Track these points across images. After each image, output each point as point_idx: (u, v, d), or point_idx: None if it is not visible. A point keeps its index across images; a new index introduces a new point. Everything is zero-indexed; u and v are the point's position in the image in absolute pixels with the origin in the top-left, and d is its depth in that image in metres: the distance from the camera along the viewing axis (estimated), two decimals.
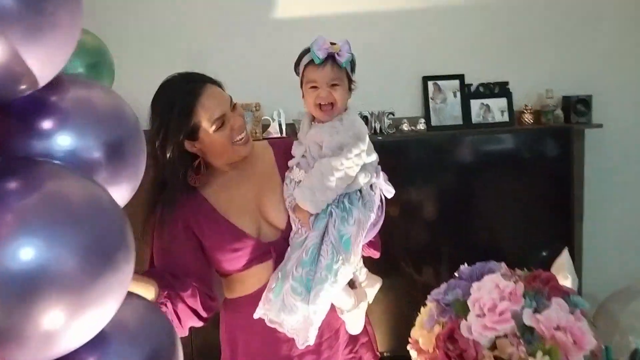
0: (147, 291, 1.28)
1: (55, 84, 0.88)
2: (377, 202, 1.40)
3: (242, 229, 1.40)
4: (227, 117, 1.34)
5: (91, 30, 2.00)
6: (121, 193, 0.97)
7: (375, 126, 2.64)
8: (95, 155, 0.90)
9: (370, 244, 1.49)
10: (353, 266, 1.37)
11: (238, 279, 1.46)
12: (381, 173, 1.41)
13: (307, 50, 1.35)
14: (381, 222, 1.43)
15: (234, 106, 1.38)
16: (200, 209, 1.41)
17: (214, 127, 1.32)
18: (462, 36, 2.81)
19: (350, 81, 1.37)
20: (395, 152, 2.55)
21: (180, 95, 1.31)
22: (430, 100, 2.76)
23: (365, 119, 2.61)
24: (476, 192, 2.63)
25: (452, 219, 2.61)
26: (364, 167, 1.36)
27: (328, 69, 1.32)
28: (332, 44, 1.31)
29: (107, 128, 0.94)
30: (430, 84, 2.78)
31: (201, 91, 1.32)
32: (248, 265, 1.41)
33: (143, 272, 1.36)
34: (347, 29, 2.60)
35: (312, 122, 1.40)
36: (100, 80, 1.93)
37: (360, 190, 1.36)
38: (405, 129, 2.67)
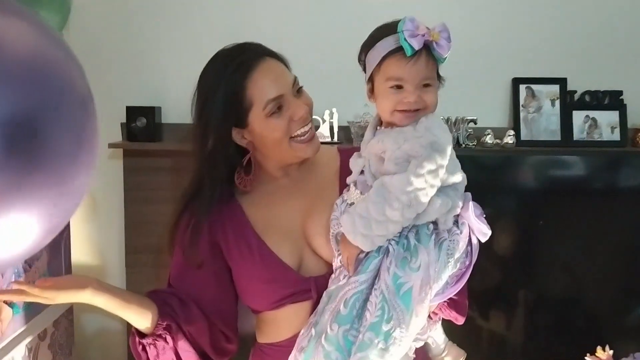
0: (141, 317, 1.22)
1: None
2: (463, 245, 1.16)
3: (278, 255, 1.27)
4: (286, 101, 1.22)
5: None
6: (35, 205, 0.65)
7: (452, 136, 2.24)
8: None
9: (451, 304, 1.26)
10: (414, 332, 1.15)
11: (269, 320, 1.33)
12: (471, 203, 1.17)
13: (385, 31, 1.15)
14: (467, 275, 1.20)
15: (299, 90, 1.26)
16: (233, 222, 1.31)
17: (266, 111, 1.20)
18: (567, 30, 2.58)
19: (439, 78, 1.19)
20: (474, 169, 2.28)
21: (230, 69, 1.21)
22: (521, 108, 2.55)
23: None
24: (568, 225, 2.44)
25: (531, 256, 2.46)
26: (442, 191, 1.14)
27: (422, 64, 1.12)
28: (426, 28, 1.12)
29: (12, 90, 0.60)
30: (522, 88, 2.56)
31: (256, 64, 1.21)
32: (280, 303, 1.27)
33: (145, 292, 1.29)
34: (420, 14, 2.31)
35: (378, 127, 1.22)
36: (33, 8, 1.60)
37: (435, 223, 1.15)
38: (489, 142, 2.43)
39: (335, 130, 2.47)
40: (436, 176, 1.10)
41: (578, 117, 2.53)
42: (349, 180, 1.25)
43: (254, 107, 1.22)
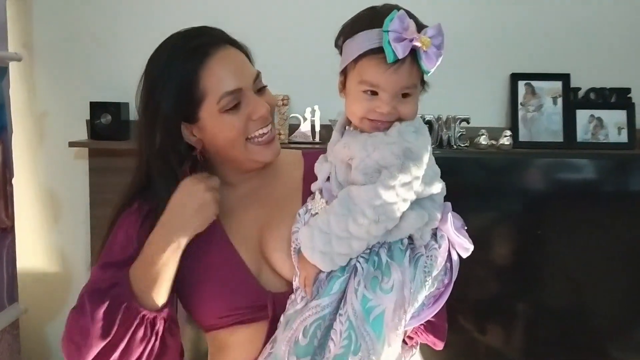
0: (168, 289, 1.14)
1: None
2: (442, 261, 1.12)
3: (244, 260, 1.22)
4: (245, 97, 1.16)
5: None
6: None
7: (442, 136, 2.37)
8: None
9: (429, 327, 1.22)
10: None
11: (222, 344, 1.25)
12: (450, 215, 1.12)
13: (370, 21, 1.06)
14: (447, 295, 1.16)
15: (261, 89, 1.20)
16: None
17: (221, 104, 1.14)
18: (571, 22, 2.53)
19: (422, 83, 1.12)
20: (466, 173, 2.37)
21: (183, 53, 1.15)
22: (520, 106, 2.50)
23: (428, 125, 2.28)
24: (571, 233, 2.38)
25: (530, 266, 2.42)
26: (417, 203, 1.08)
27: (404, 72, 1.04)
28: (417, 28, 1.04)
29: None
30: (521, 84, 2.51)
31: (213, 51, 1.15)
32: (233, 315, 1.20)
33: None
34: (412, 7, 2.37)
35: (347, 127, 1.16)
36: None
37: (410, 238, 1.10)
38: (484, 142, 2.37)
39: (317, 129, 2.44)
40: (410, 189, 1.04)
41: (582, 116, 2.49)
42: (313, 187, 1.20)
43: (207, 99, 1.15)
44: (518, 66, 2.49)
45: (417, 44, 1.01)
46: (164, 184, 1.20)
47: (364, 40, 1.06)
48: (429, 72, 1.05)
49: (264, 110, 1.17)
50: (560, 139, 2.46)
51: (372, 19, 1.06)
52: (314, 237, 1.05)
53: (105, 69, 2.39)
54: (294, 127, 2.40)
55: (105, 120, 2.24)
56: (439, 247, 1.11)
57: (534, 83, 2.50)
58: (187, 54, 1.15)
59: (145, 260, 1.11)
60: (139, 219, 1.23)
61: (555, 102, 2.49)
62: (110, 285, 1.14)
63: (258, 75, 1.20)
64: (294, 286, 1.15)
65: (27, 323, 2.33)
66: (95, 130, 2.25)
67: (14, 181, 1.96)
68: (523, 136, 2.46)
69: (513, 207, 2.38)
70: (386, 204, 1.03)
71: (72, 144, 2.25)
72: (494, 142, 2.37)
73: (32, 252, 2.41)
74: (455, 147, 2.33)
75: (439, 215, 1.11)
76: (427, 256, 1.09)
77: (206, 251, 1.24)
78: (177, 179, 1.20)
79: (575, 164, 2.38)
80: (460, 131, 2.34)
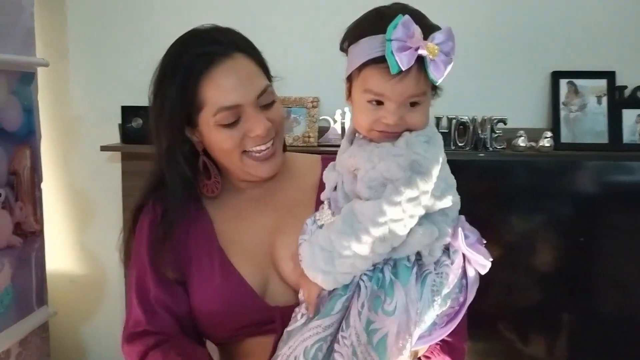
0: None
1: None
2: (455, 278, 1.06)
3: (243, 276, 1.19)
4: (244, 113, 1.13)
5: None
6: None
7: (477, 138, 2.29)
8: None
9: (445, 348, 1.17)
10: None
11: (230, 352, 1.26)
12: (460, 230, 1.07)
13: (373, 26, 1.00)
14: (461, 314, 1.09)
15: (268, 104, 1.17)
16: (197, 226, 1.23)
17: (216, 118, 1.12)
18: (617, 16, 2.42)
19: (434, 89, 1.06)
20: (504, 177, 2.32)
21: (190, 57, 1.13)
22: (561, 106, 2.42)
23: (462, 126, 2.26)
24: (617, 239, 2.32)
25: (575, 273, 2.35)
26: (426, 217, 1.04)
27: (411, 81, 0.99)
28: (424, 32, 0.97)
29: None
30: (563, 83, 2.42)
31: (219, 60, 1.12)
32: (238, 333, 1.20)
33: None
34: (445, 2, 2.34)
35: (356, 135, 1.12)
36: None
37: (418, 254, 1.05)
38: (522, 144, 2.28)
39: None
40: (417, 204, 0.99)
41: (629, 116, 2.40)
42: (322, 196, 1.15)
43: (205, 109, 1.14)
44: (559, 63, 2.41)
45: (424, 52, 0.96)
46: (173, 182, 1.19)
47: (367, 47, 1.00)
48: (437, 82, 0.99)
49: (260, 130, 1.13)
50: (605, 140, 2.38)
51: (375, 23, 1.00)
52: (315, 256, 1.02)
53: (137, 72, 2.37)
54: (323, 130, 2.37)
55: (136, 124, 2.25)
56: (451, 262, 1.06)
57: (577, 81, 2.42)
58: (193, 58, 1.12)
59: None
60: (152, 224, 1.22)
61: (599, 102, 2.41)
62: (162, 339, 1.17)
63: (265, 89, 1.16)
64: (300, 299, 1.12)
65: (59, 325, 2.36)
66: (126, 133, 2.26)
67: (43, 185, 1.98)
68: (565, 137, 2.38)
69: (555, 212, 2.31)
70: (391, 221, 0.98)
71: (104, 148, 2.26)
72: (533, 143, 2.29)
73: (65, 255, 2.44)
74: (491, 149, 2.26)
75: (451, 231, 1.06)
76: (437, 273, 1.05)
77: (204, 269, 1.21)
78: (186, 178, 1.19)
79: (621, 167, 2.31)
80: (496, 132, 2.26)
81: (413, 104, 1.01)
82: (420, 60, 0.96)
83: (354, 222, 1.00)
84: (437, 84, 1.00)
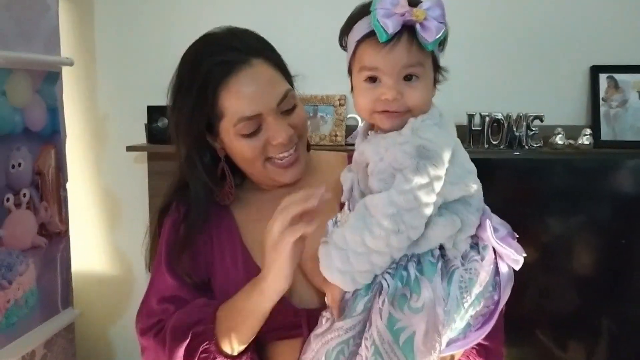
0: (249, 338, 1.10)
1: None
2: (486, 275, 1.03)
3: None
4: (264, 122, 1.14)
5: None
6: None
7: (511, 136, 2.27)
8: None
9: (482, 351, 1.15)
10: None
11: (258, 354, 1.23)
12: (489, 221, 1.04)
13: (363, 10, 1.04)
14: (496, 315, 1.05)
15: (289, 109, 1.17)
16: (220, 227, 1.24)
17: (237, 128, 1.12)
18: None
19: (437, 67, 1.06)
20: (541, 176, 2.29)
21: (208, 64, 1.12)
22: (601, 102, 2.39)
23: (496, 124, 2.24)
24: None
25: (616, 277, 2.32)
26: (447, 207, 1.01)
27: (401, 50, 0.99)
28: (410, 3, 0.98)
29: None
30: (602, 77, 2.39)
31: (237, 68, 1.12)
32: (266, 336, 1.17)
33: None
34: None
35: (369, 133, 1.11)
36: None
37: (441, 248, 1.02)
38: (560, 142, 2.26)
39: None
40: (430, 192, 0.97)
41: None
42: (343, 198, 1.14)
43: (225, 119, 1.14)
44: (599, 57, 2.37)
45: (410, 17, 0.96)
46: (195, 189, 1.19)
47: (359, 29, 1.02)
48: (429, 46, 0.99)
49: (282, 138, 1.14)
50: None
51: (364, 6, 1.03)
52: (331, 255, 1.00)
53: (163, 72, 2.39)
54: (351, 128, 2.31)
55: (162, 124, 2.25)
56: (482, 259, 1.03)
57: (617, 76, 2.38)
58: (210, 69, 1.12)
59: (235, 305, 1.10)
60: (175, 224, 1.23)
61: None
62: (195, 321, 1.14)
63: (286, 95, 1.16)
64: (326, 302, 1.10)
65: (86, 325, 2.38)
66: (152, 133, 2.27)
67: (69, 185, 1.98)
68: (605, 135, 2.34)
69: (595, 213, 2.29)
70: (404, 211, 0.96)
71: (129, 148, 2.27)
72: (571, 141, 2.26)
73: (92, 256, 2.46)
74: (527, 147, 2.23)
75: (476, 221, 1.03)
76: (465, 269, 1.02)
77: (229, 270, 1.22)
78: (205, 183, 1.20)
79: None
80: (533, 130, 2.23)
81: (410, 78, 1.01)
82: (412, 30, 0.98)
83: (366, 216, 0.99)
84: (429, 48, 0.99)
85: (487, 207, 1.08)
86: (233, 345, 1.09)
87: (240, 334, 1.08)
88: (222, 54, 1.13)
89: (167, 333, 1.12)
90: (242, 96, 1.12)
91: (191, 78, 1.14)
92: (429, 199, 0.97)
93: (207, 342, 1.11)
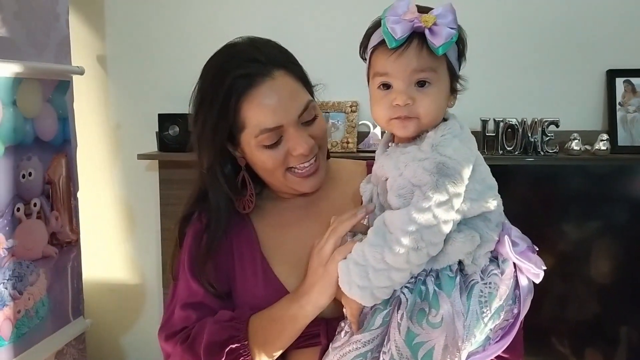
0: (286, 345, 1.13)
1: None
2: (506, 289, 1.03)
3: (285, 286, 1.20)
4: (286, 133, 1.14)
5: None
6: None
7: (526, 142, 2.26)
8: None
9: None
10: None
11: None
12: (507, 237, 1.04)
13: (378, 23, 1.06)
14: (516, 328, 1.06)
15: (312, 120, 1.17)
16: (240, 236, 1.24)
17: (259, 139, 1.13)
18: None
19: (453, 76, 1.06)
20: (556, 182, 2.29)
21: (230, 77, 1.13)
22: (618, 106, 2.36)
23: (511, 129, 2.23)
24: None
25: (636, 284, 2.30)
26: (466, 223, 1.01)
27: (411, 54, 1.00)
28: (421, 10, 1.00)
29: None
30: (619, 81, 2.37)
31: (259, 81, 1.12)
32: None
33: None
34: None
35: (390, 145, 1.13)
36: None
37: (460, 263, 1.03)
38: (576, 148, 2.25)
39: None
40: (449, 209, 0.97)
41: None
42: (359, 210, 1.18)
43: (246, 130, 1.15)
44: (615, 61, 2.35)
45: (419, 23, 0.98)
46: (216, 200, 1.20)
47: (373, 39, 1.05)
48: (438, 50, 0.99)
49: (303, 149, 1.14)
50: None
51: (378, 20, 1.05)
52: (350, 271, 1.01)
53: (174, 80, 2.40)
54: (363, 135, 2.33)
55: (173, 132, 2.25)
56: (501, 273, 1.03)
57: (634, 80, 2.35)
58: (232, 82, 1.13)
59: (271, 317, 1.11)
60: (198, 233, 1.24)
61: None
62: (228, 337, 1.15)
63: (307, 105, 1.16)
64: (345, 314, 1.11)
65: (98, 334, 2.37)
66: (163, 141, 2.26)
67: (80, 194, 1.97)
68: (623, 140, 2.32)
69: (612, 220, 2.27)
70: (423, 228, 0.96)
71: (140, 156, 2.27)
72: (588, 147, 2.25)
73: (104, 264, 2.45)
74: (542, 153, 2.22)
75: (495, 237, 1.03)
76: (485, 283, 1.02)
77: (249, 279, 1.22)
78: (226, 193, 1.20)
79: None
80: (548, 135, 2.22)
81: (423, 84, 1.02)
82: (422, 36, 0.98)
83: (385, 233, 0.99)
84: (438, 53, 0.99)
85: (506, 221, 1.07)
86: (264, 357, 1.11)
87: (274, 347, 1.09)
88: (244, 67, 1.14)
89: (201, 349, 1.12)
90: (264, 108, 1.13)
91: (214, 91, 1.15)
92: (448, 217, 0.97)
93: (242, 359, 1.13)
